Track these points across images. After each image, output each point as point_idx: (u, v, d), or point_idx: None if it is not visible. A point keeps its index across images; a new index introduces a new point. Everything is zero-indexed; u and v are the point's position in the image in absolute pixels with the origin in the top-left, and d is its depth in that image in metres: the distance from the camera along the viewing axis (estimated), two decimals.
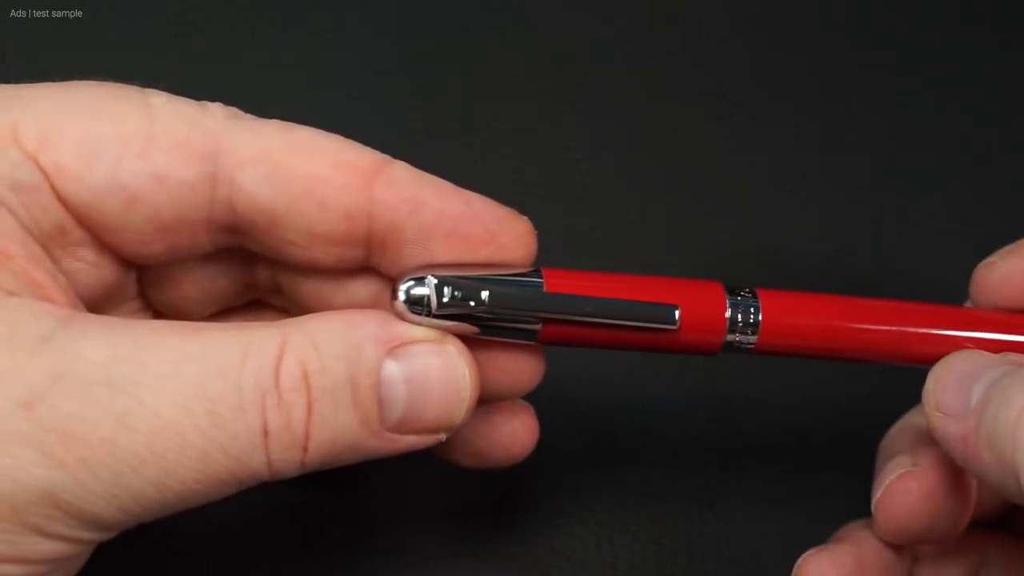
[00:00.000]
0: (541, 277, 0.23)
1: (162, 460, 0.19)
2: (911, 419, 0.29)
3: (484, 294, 0.22)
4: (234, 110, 0.23)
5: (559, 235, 0.35)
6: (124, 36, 0.38)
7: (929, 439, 0.26)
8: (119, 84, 0.22)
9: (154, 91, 0.22)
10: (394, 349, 0.21)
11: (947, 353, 0.25)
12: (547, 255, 0.24)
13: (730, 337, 0.24)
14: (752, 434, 0.32)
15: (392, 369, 0.21)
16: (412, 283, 0.22)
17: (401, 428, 0.21)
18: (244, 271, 0.25)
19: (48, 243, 0.21)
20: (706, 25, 0.39)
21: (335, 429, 0.21)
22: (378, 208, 0.22)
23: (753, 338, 0.24)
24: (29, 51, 0.37)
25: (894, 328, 0.25)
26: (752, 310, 0.24)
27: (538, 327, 0.23)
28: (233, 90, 0.36)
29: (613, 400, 0.32)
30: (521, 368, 0.24)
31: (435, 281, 0.21)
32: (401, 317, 0.22)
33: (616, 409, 0.32)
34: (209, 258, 0.24)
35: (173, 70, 0.37)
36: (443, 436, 0.22)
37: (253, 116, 0.22)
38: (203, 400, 0.19)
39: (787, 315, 0.25)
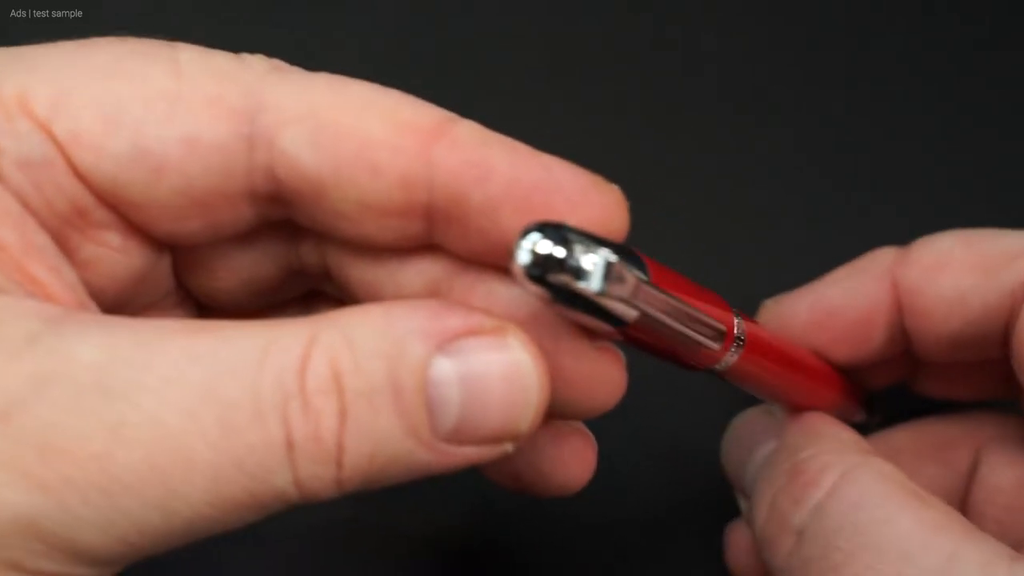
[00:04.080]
0: (644, 262, 0.19)
1: (166, 478, 0.16)
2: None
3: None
4: (277, 62, 0.20)
5: None
6: (124, 36, 0.37)
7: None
8: (143, 39, 0.20)
9: (185, 45, 0.20)
10: (445, 344, 0.18)
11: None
12: None
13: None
14: None
15: (443, 367, 0.17)
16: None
17: (457, 438, 0.18)
18: (290, 252, 0.22)
19: (64, 227, 0.19)
20: (706, 25, 0.39)
21: (375, 439, 0.17)
22: (440, 174, 0.19)
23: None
24: None
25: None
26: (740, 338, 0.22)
27: (632, 319, 0.18)
28: None
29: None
30: (599, 376, 0.20)
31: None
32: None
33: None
34: (250, 238, 0.21)
35: None
36: (509, 447, 0.18)
37: (300, 69, 0.20)
38: (213, 406, 0.16)
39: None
